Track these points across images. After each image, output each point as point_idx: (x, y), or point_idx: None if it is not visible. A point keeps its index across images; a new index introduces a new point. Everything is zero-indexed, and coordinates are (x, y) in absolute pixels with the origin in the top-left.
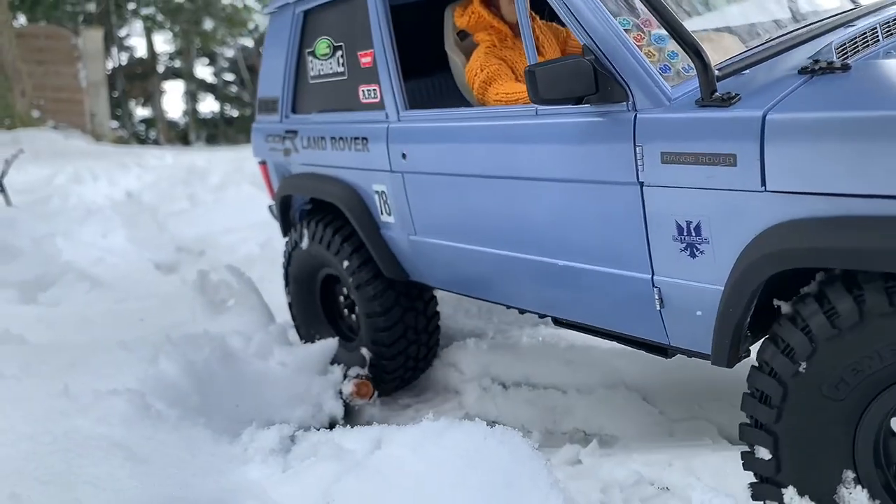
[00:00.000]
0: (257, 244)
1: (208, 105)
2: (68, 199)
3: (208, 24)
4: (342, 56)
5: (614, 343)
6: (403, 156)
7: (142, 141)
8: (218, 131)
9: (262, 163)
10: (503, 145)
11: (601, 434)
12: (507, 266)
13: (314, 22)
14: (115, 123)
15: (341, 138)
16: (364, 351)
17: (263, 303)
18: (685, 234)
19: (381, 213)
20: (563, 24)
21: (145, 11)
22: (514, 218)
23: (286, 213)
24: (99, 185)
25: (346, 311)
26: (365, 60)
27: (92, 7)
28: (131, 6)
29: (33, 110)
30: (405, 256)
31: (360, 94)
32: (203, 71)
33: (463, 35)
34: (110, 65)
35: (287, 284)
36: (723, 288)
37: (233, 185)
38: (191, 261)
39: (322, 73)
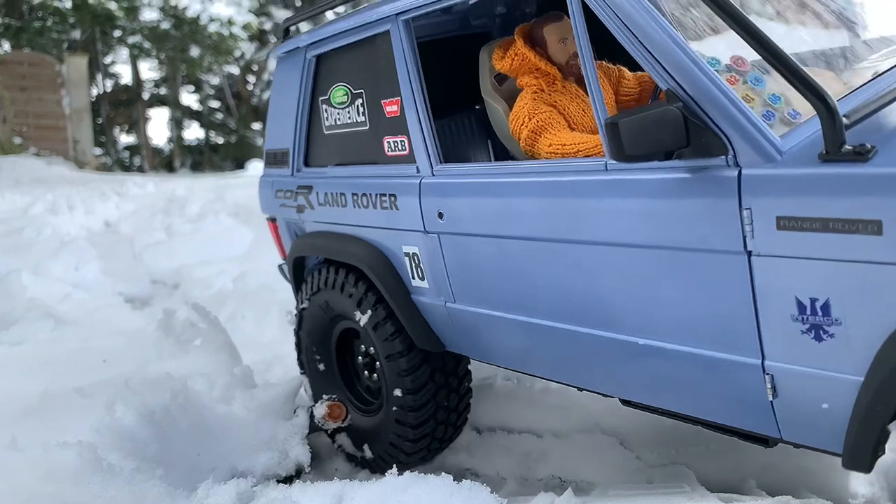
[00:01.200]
0: (231, 279)
1: (193, 132)
2: (42, 230)
3: (194, 52)
4: (362, 104)
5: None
6: (440, 215)
7: (126, 168)
8: (203, 158)
9: (272, 219)
10: (563, 204)
11: (577, 480)
12: (568, 342)
13: (329, 67)
14: (98, 150)
15: (364, 195)
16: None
17: (230, 343)
18: (808, 313)
19: (413, 278)
20: (612, 62)
21: (132, 39)
22: (578, 287)
23: (300, 274)
24: (76, 214)
25: (365, 370)
26: (390, 109)
27: (77, 34)
28: (117, 34)
29: (15, 137)
30: (441, 325)
31: (385, 146)
32: (188, 98)
33: (500, 78)
34: (95, 91)
35: (299, 350)
36: (863, 379)
37: (212, 214)
38: (164, 294)
39: (339, 122)
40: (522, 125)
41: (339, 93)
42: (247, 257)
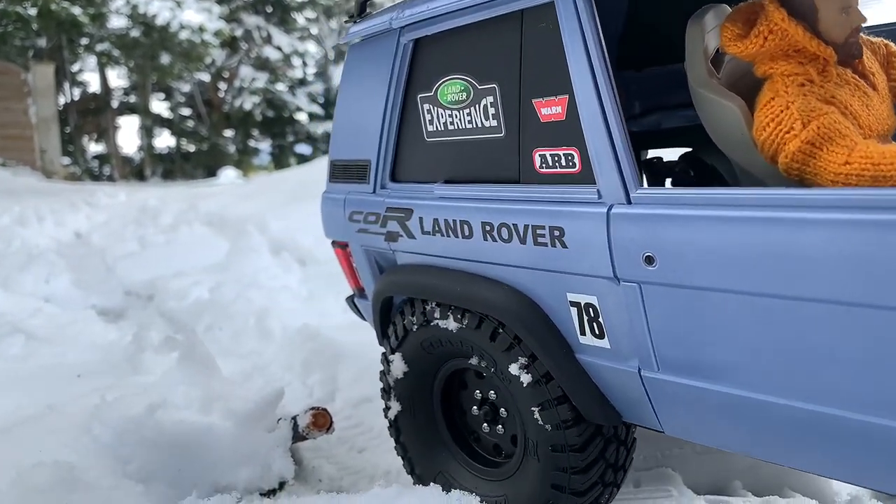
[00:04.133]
0: (207, 289)
1: (164, 140)
2: (11, 243)
3: (165, 59)
4: (493, 104)
5: None
6: (648, 259)
7: (95, 177)
8: (174, 166)
9: (341, 245)
10: (887, 255)
11: None
12: (862, 435)
13: (436, 54)
14: (67, 160)
15: (504, 225)
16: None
17: (209, 355)
18: None
19: (582, 334)
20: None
21: (99, 47)
22: None
23: (387, 314)
24: (45, 226)
25: (484, 423)
26: (548, 112)
27: (43, 42)
28: (84, 41)
29: None
30: (625, 395)
31: (537, 160)
32: (159, 106)
33: (715, 60)
34: (62, 100)
35: (387, 400)
36: None
37: (185, 224)
38: (139, 306)
39: (451, 127)
40: (788, 132)
41: (452, 88)
42: (222, 267)
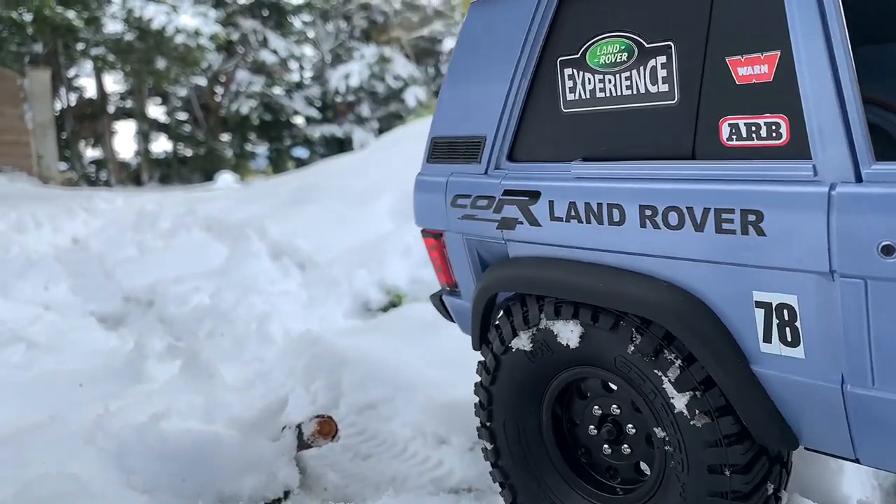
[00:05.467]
0: (208, 295)
1: (161, 145)
2: (9, 249)
3: (160, 64)
4: (666, 65)
5: None
6: (887, 250)
7: (92, 182)
8: (171, 171)
9: (435, 235)
10: None
11: None
12: None
13: (587, 8)
14: (63, 165)
15: (674, 209)
16: None
17: (211, 363)
18: None
19: (766, 341)
20: None
21: (95, 52)
22: None
23: (488, 315)
24: (43, 232)
25: (604, 443)
26: (750, 72)
27: (39, 47)
28: (80, 46)
29: None
30: (812, 414)
31: (725, 131)
32: (155, 110)
33: None
34: (59, 105)
35: (485, 418)
36: None
37: (183, 229)
38: (138, 312)
39: (600, 95)
40: None
41: (608, 49)
42: (221, 272)
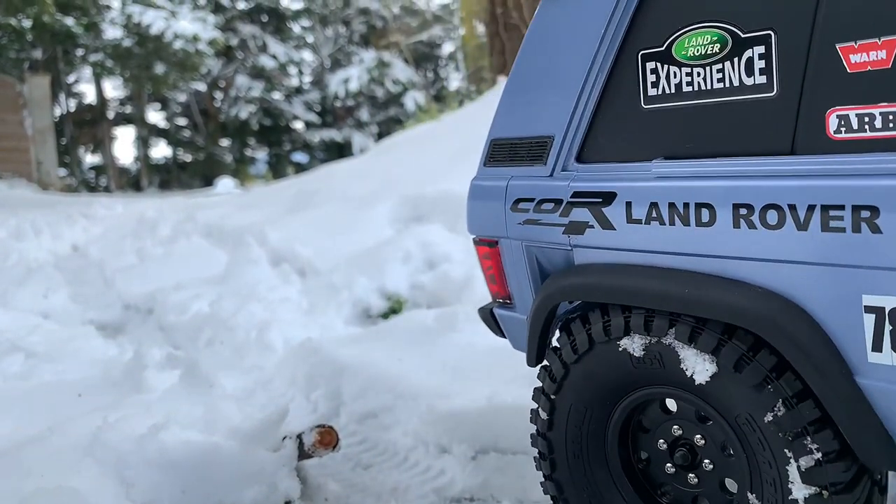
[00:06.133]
0: (208, 302)
1: (161, 150)
2: (8, 257)
3: (159, 69)
4: (766, 55)
5: None
6: None
7: (92, 188)
8: (171, 177)
9: (489, 243)
10: None
11: None
12: None
13: (670, 2)
14: (63, 171)
15: (773, 207)
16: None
17: (211, 372)
18: None
19: (875, 350)
20: None
21: (94, 58)
22: None
23: (547, 327)
24: (42, 239)
25: (670, 465)
26: (865, 59)
27: (38, 54)
28: (79, 52)
29: None
30: None
31: (832, 123)
32: (155, 116)
33: None
34: (58, 111)
35: (543, 445)
36: None
37: (183, 236)
38: (138, 320)
39: (686, 89)
40: None
41: (698, 40)
42: (221, 279)
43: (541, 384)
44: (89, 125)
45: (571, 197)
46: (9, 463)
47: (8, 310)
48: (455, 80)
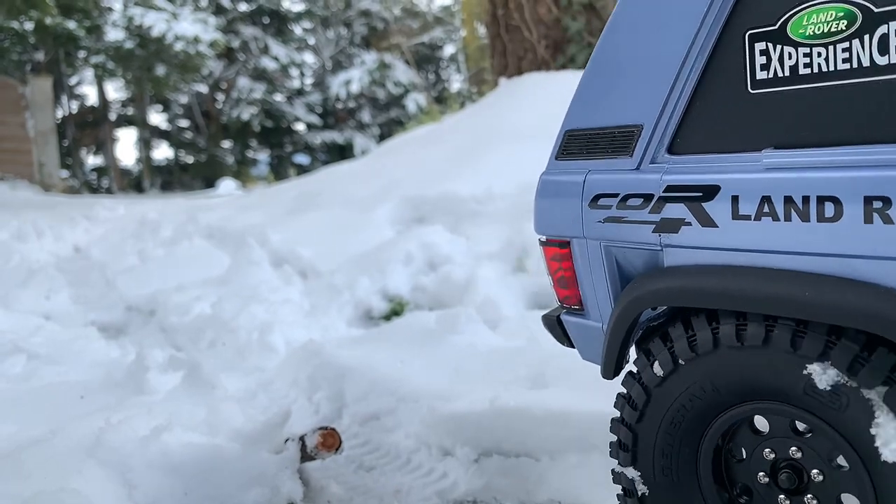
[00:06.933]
0: (209, 304)
1: (162, 152)
2: (10, 259)
3: (161, 71)
4: None
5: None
6: None
7: (94, 190)
8: (173, 178)
9: (560, 244)
10: None
11: (577, 503)
12: None
13: None
14: (65, 173)
15: None
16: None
17: (213, 373)
18: None
19: None
20: None
21: (96, 59)
22: None
23: (629, 336)
24: (44, 241)
25: (782, 495)
26: None
27: (40, 56)
28: (81, 54)
29: None
30: None
31: None
32: (157, 117)
33: None
34: (60, 113)
35: (626, 463)
36: None
37: (185, 238)
38: (140, 322)
39: (804, 71)
40: None
41: (819, 17)
42: (223, 281)
43: (625, 397)
44: (91, 127)
45: (664, 191)
46: (11, 465)
47: (10, 311)
48: (456, 82)
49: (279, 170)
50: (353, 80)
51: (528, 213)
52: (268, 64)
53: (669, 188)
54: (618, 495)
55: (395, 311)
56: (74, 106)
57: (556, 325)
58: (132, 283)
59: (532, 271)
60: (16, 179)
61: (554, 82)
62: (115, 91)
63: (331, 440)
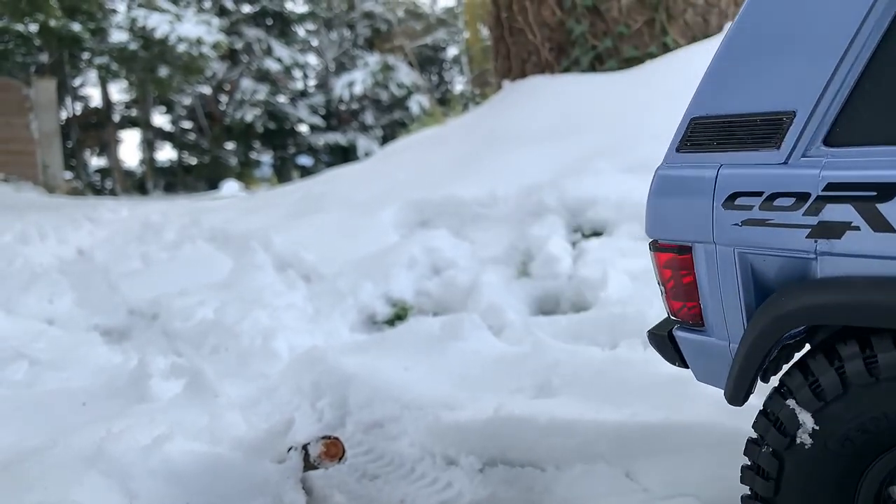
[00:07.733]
0: (212, 309)
1: (166, 153)
2: (13, 262)
3: (164, 72)
4: None
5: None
6: None
7: (98, 191)
8: (176, 180)
9: (678, 249)
10: None
11: None
12: None
13: None
14: (69, 174)
15: None
16: None
17: (216, 381)
18: None
19: None
20: None
21: (99, 61)
22: None
23: (766, 358)
24: (47, 243)
25: None
26: None
27: (44, 58)
28: (85, 56)
29: None
30: None
31: None
32: (160, 119)
33: None
34: (64, 115)
35: (777, 464)
36: None
37: (188, 241)
38: (143, 326)
39: None
40: None
41: None
42: (226, 285)
43: (761, 437)
44: (95, 128)
45: (824, 190)
46: (11, 475)
47: (13, 316)
48: (459, 84)
49: (282, 171)
50: (356, 81)
51: (532, 217)
52: (271, 65)
53: (831, 186)
54: (748, 486)
55: (399, 316)
56: (78, 107)
57: (666, 343)
58: (135, 287)
59: (536, 276)
60: (20, 181)
61: (558, 85)
62: (119, 93)
63: (334, 449)
